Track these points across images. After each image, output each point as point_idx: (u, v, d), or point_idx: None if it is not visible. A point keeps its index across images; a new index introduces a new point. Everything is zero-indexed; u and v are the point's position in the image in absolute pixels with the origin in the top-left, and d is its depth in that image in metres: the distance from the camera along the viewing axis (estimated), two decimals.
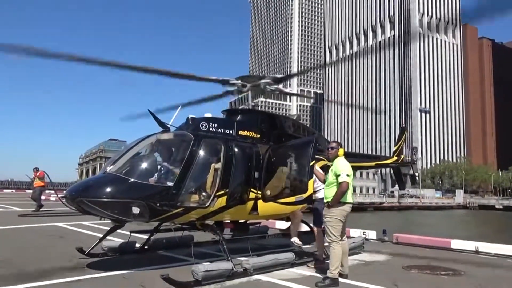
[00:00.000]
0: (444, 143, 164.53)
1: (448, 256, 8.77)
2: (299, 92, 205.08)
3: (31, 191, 21.14)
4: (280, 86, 9.01)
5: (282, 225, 11.76)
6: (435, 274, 6.77)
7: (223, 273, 5.83)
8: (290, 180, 7.18)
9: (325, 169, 7.12)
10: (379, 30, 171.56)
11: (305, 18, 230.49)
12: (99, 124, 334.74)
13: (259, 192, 7.12)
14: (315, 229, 7.32)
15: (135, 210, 5.82)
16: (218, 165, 6.66)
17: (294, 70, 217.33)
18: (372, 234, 11.10)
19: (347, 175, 6.04)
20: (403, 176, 15.39)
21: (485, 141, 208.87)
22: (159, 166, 6.65)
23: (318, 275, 6.31)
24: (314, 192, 7.04)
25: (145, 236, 8.21)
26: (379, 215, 55.24)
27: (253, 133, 7.67)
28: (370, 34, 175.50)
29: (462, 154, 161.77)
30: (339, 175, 6.05)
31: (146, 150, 6.83)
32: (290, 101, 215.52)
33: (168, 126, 6.86)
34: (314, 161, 6.81)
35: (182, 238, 8.25)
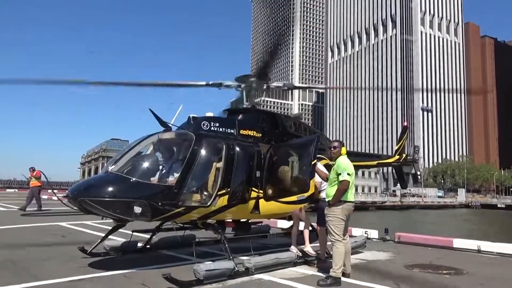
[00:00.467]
0: (446, 142, 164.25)
1: (450, 255, 8.75)
2: (300, 92, 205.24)
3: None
4: (280, 84, 9.01)
5: (284, 224, 11.76)
6: (437, 273, 6.75)
7: (224, 272, 5.83)
8: (292, 179, 7.17)
9: (327, 168, 7.11)
10: (381, 29, 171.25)
11: (306, 18, 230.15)
12: (101, 123, 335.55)
13: (261, 191, 7.12)
14: (318, 228, 7.31)
15: (137, 209, 5.82)
16: (220, 164, 6.65)
17: (296, 69, 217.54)
18: (374, 233, 11.08)
19: (348, 174, 6.04)
20: (405, 175, 15.37)
21: (487, 140, 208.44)
22: (160, 166, 6.65)
23: (320, 274, 6.30)
24: (319, 191, 7.05)
25: (147, 236, 8.22)
26: (381, 214, 55.19)
27: (255, 132, 7.66)
28: (372, 33, 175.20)
29: (464, 153, 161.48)
30: (340, 173, 6.05)
31: (147, 150, 6.84)
32: (291, 100, 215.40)
33: (170, 125, 6.86)
34: (316, 160, 6.79)
35: (184, 237, 8.25)
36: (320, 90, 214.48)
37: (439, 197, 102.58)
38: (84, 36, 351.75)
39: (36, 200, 16.91)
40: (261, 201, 7.10)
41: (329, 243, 6.52)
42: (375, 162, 14.49)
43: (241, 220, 7.90)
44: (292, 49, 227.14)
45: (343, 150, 6.41)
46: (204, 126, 6.96)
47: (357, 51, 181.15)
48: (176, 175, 6.28)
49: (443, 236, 11.17)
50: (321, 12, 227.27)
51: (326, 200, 6.29)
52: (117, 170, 6.17)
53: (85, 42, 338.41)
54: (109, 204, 5.80)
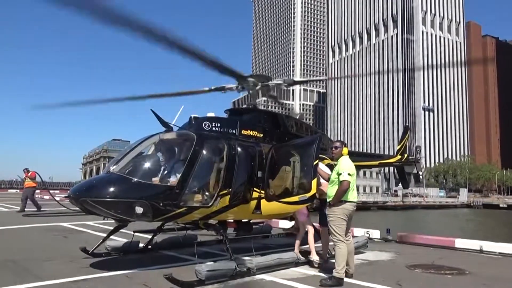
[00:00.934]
0: (448, 142, 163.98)
1: (452, 255, 8.72)
2: (302, 92, 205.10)
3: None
4: (280, 81, 8.99)
5: (286, 224, 11.75)
6: (439, 274, 6.73)
7: (226, 272, 5.82)
8: (294, 179, 7.15)
9: (330, 168, 7.09)
10: (382, 29, 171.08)
11: (307, 18, 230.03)
12: (102, 124, 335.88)
13: (262, 192, 7.10)
14: (320, 228, 7.29)
15: (139, 209, 5.82)
16: (221, 165, 6.65)
17: (297, 69, 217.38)
18: (375, 234, 11.05)
19: (349, 174, 6.03)
20: (406, 175, 15.35)
21: (489, 140, 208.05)
22: (162, 166, 6.65)
23: (322, 274, 6.29)
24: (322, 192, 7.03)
25: (149, 236, 8.22)
26: (382, 215, 55.13)
27: (256, 132, 7.66)
28: (373, 32, 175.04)
29: (466, 153, 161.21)
30: (341, 173, 6.05)
31: (149, 150, 6.85)
32: (293, 100, 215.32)
33: (171, 125, 6.86)
34: (318, 160, 6.78)
35: (186, 237, 8.25)
36: (322, 90, 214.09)
37: (440, 197, 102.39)
38: (82, 35, 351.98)
39: (32, 202, 16.62)
40: (263, 202, 7.08)
41: (331, 243, 6.50)
42: (376, 162, 14.49)
43: (243, 220, 7.89)
44: (293, 49, 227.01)
45: (345, 150, 6.40)
46: (206, 127, 6.96)
47: (358, 51, 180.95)
48: (178, 175, 6.28)
49: (445, 236, 11.14)
50: (322, 12, 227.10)
51: (328, 200, 6.29)
52: (118, 170, 6.18)
53: (83, 41, 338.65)
54: (111, 205, 5.80)
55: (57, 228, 11.47)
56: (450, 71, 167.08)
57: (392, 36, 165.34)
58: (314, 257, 6.84)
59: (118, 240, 8.06)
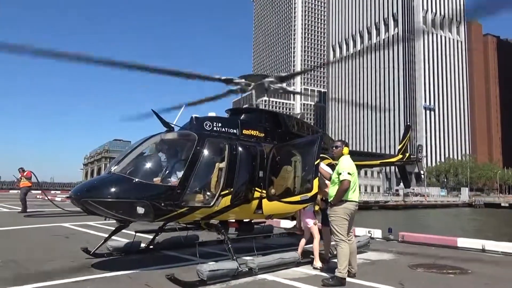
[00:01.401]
0: (449, 141, 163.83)
1: (454, 254, 8.70)
2: (302, 91, 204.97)
3: (36, 192, 21.21)
4: (284, 84, 9.00)
5: (287, 224, 11.74)
6: (441, 273, 6.71)
7: (228, 272, 5.82)
8: (295, 179, 7.14)
9: (332, 168, 7.07)
10: (382, 28, 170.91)
11: (308, 17, 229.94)
12: (103, 124, 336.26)
13: (264, 191, 7.09)
14: (322, 228, 7.27)
15: (140, 210, 5.82)
16: (223, 165, 6.64)
17: (298, 69, 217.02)
18: (377, 233, 11.04)
19: (349, 173, 6.02)
20: (408, 174, 15.32)
21: (491, 139, 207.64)
22: (163, 166, 6.65)
23: (324, 274, 6.27)
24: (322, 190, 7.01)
25: (150, 236, 8.22)
26: (384, 214, 55.08)
27: (257, 132, 7.64)
28: (374, 32, 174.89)
29: (467, 152, 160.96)
30: (341, 173, 6.04)
31: (150, 150, 6.84)
32: (293, 100, 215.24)
33: (172, 125, 6.86)
34: (319, 160, 6.76)
35: (187, 237, 8.25)
36: (323, 90, 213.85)
37: (442, 196, 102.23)
38: (84, 35, 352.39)
39: (21, 200, 16.47)
40: (264, 201, 7.07)
41: (333, 243, 6.49)
42: (378, 162, 14.45)
43: (244, 220, 7.88)
44: (293, 48, 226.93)
45: (345, 149, 6.39)
46: (207, 126, 6.95)
47: (359, 50, 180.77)
48: (179, 175, 6.28)
49: (447, 235, 11.12)
50: (322, 12, 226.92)
51: (329, 200, 6.28)
52: (119, 170, 6.18)
53: (85, 41, 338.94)
54: (112, 205, 5.80)
55: (58, 229, 11.47)
56: (451, 69, 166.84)
57: (393, 35, 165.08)
58: (317, 264, 6.81)
59: (119, 241, 8.05)
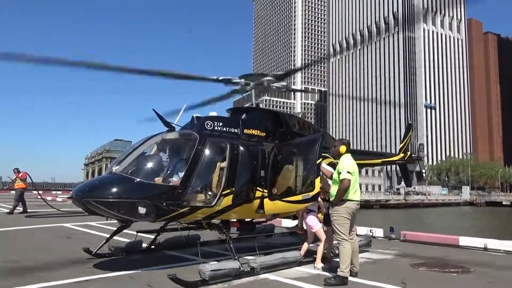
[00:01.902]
0: (450, 139, 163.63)
1: (456, 253, 8.69)
2: (303, 89, 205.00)
3: (37, 192, 21.17)
4: (284, 83, 9.00)
5: (289, 223, 11.72)
6: (444, 272, 6.70)
7: (230, 272, 5.81)
8: (297, 178, 7.13)
9: (332, 167, 7.06)
10: (383, 27, 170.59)
11: (308, 16, 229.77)
12: (104, 124, 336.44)
13: (265, 191, 7.08)
14: (324, 227, 7.26)
15: (141, 210, 5.82)
16: (224, 164, 6.63)
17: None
18: (379, 232, 11.02)
19: (348, 172, 6.00)
20: (409, 173, 15.30)
21: (492, 137, 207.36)
22: (164, 166, 6.65)
23: (326, 273, 6.26)
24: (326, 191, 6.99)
25: (152, 236, 8.22)
26: (385, 213, 55.07)
27: (259, 131, 7.63)
28: (374, 30, 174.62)
29: (468, 150, 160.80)
30: (341, 172, 6.03)
31: (151, 150, 6.84)
32: (294, 99, 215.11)
33: (173, 125, 6.84)
34: (321, 159, 6.75)
35: (189, 237, 8.24)
36: (323, 89, 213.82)
37: (443, 195, 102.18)
38: (84, 37, 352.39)
39: (14, 201, 16.23)
40: (266, 201, 7.06)
41: (335, 242, 6.47)
42: (379, 160, 14.42)
43: (246, 219, 7.87)
44: (294, 47, 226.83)
45: (342, 148, 6.39)
46: (208, 126, 6.93)
47: (359, 49, 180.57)
48: (180, 175, 6.27)
49: (449, 234, 11.10)
50: (323, 11, 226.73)
51: (330, 199, 6.27)
52: (121, 170, 6.17)
53: (85, 44, 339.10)
54: (114, 205, 5.80)
55: (60, 229, 11.48)
56: (452, 68, 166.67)
57: (393, 34, 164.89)
58: (319, 264, 6.80)
59: (121, 241, 8.06)
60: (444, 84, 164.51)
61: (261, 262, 6.22)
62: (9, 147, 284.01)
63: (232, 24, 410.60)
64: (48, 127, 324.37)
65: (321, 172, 6.80)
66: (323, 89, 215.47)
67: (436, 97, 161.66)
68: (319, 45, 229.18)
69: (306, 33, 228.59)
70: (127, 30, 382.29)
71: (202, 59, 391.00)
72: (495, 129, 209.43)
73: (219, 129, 7.05)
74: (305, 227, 7.36)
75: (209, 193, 6.52)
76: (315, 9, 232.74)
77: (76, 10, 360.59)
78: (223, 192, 6.46)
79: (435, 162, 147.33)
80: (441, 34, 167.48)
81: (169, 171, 6.51)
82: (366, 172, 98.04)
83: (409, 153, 14.47)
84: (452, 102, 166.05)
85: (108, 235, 7.70)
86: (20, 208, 16.15)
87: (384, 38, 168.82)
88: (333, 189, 6.20)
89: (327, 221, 6.95)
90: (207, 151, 6.50)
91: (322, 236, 6.97)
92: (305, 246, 7.21)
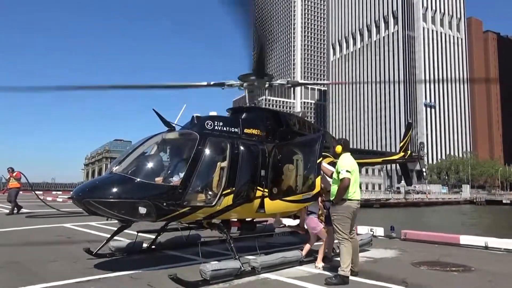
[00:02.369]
0: (450, 138, 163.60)
1: (457, 252, 8.69)
2: (303, 90, 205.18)
3: (38, 192, 21.17)
4: (283, 81, 9.02)
5: (289, 223, 11.70)
6: (445, 270, 6.70)
7: (231, 272, 5.80)
8: (297, 177, 7.13)
9: (334, 166, 7.05)
10: (382, 26, 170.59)
11: (307, 16, 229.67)
12: (104, 124, 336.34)
13: (266, 190, 7.08)
14: (325, 228, 7.24)
15: (142, 210, 5.81)
16: (224, 164, 6.62)
17: (298, 67, 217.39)
18: (379, 231, 11.02)
19: (347, 170, 6.00)
20: (409, 172, 15.28)
21: (492, 136, 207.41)
22: (165, 166, 6.64)
23: (326, 273, 6.26)
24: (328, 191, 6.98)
25: (152, 236, 8.21)
26: (385, 212, 55.08)
27: (259, 131, 7.62)
28: (374, 29, 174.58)
29: (468, 149, 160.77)
30: (340, 172, 6.03)
31: (151, 150, 6.83)
32: (294, 99, 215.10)
33: (173, 125, 6.84)
34: (321, 158, 6.74)
35: (189, 237, 8.24)
36: (323, 88, 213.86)
37: (443, 193, 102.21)
38: (81, 40, 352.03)
39: (11, 202, 15.93)
40: (266, 200, 7.06)
41: (336, 241, 6.46)
42: (379, 160, 14.42)
43: (246, 219, 7.86)
44: (293, 47, 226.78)
45: (338, 148, 6.40)
46: (208, 126, 6.92)
47: (359, 48, 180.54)
48: (181, 175, 6.26)
49: (450, 232, 11.10)
50: (322, 10, 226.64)
51: (331, 199, 6.26)
52: (121, 170, 6.17)
53: (82, 47, 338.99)
54: (114, 205, 5.79)
55: (60, 229, 11.47)
56: (452, 67, 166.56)
57: (392, 33, 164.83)
58: (320, 264, 6.79)
59: (121, 241, 8.04)
60: (444, 83, 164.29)
61: (262, 262, 6.22)
62: (9, 147, 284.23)
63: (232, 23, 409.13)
64: (48, 127, 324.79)
65: (322, 172, 6.80)
66: (323, 89, 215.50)
67: (436, 96, 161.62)
68: (319, 44, 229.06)
69: (306, 32, 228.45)
70: (126, 30, 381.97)
71: (202, 59, 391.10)
72: (495, 127, 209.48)
73: (219, 128, 7.04)
74: (308, 230, 7.34)
75: (210, 192, 6.51)
76: (314, 9, 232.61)
77: (76, 11, 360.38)
78: (224, 192, 6.46)
79: (435, 161, 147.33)
80: (441, 33, 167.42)
81: (169, 171, 6.51)
82: (366, 171, 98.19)
83: (409, 152, 14.46)
84: (452, 100, 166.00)
85: (108, 235, 7.70)
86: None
87: (384, 37, 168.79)
88: (333, 189, 6.21)
89: (328, 221, 6.95)
90: (207, 151, 6.49)
91: (324, 236, 6.97)
92: (307, 247, 7.20)
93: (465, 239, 9.56)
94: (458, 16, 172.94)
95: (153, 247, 8.12)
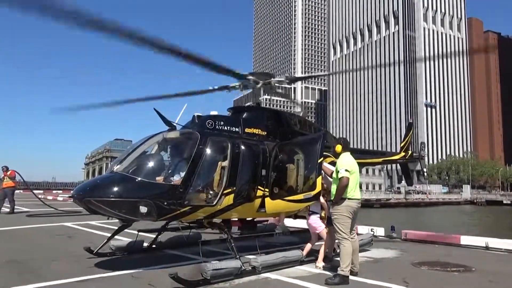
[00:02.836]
0: (451, 138, 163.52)
1: (458, 252, 8.69)
2: (303, 90, 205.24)
3: (38, 191, 21.15)
4: (290, 84, 9.07)
5: (290, 222, 11.71)
6: (445, 271, 6.69)
7: (231, 271, 5.80)
8: (298, 177, 7.13)
9: (334, 165, 7.05)
10: (383, 26, 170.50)
11: (308, 15, 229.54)
12: (104, 124, 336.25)
13: (267, 190, 7.08)
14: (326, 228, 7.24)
15: (143, 209, 5.81)
16: (225, 163, 6.62)
17: (298, 67, 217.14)
18: (380, 231, 11.01)
19: (346, 170, 6.00)
20: (410, 172, 15.28)
21: (492, 136, 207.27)
22: (166, 165, 6.64)
23: (327, 272, 6.26)
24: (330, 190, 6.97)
25: (153, 235, 8.21)
26: (385, 212, 55.04)
27: (260, 130, 7.62)
28: (375, 29, 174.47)
29: (469, 149, 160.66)
30: (339, 171, 6.03)
31: (152, 149, 6.82)
32: (294, 99, 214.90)
33: (174, 124, 6.84)
34: (322, 158, 6.74)
35: (190, 236, 8.24)
36: (323, 88, 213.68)
37: (443, 193, 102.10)
38: (80, 37, 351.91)
39: (10, 202, 15.85)
40: (267, 200, 7.06)
41: (336, 241, 6.46)
42: (380, 159, 14.42)
43: (247, 219, 7.86)
44: (294, 46, 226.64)
45: (337, 147, 6.41)
46: (209, 125, 6.92)
47: (360, 48, 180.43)
48: (182, 174, 6.26)
49: (450, 233, 11.09)
50: (323, 9, 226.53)
51: (331, 198, 6.26)
52: (122, 169, 6.16)
53: (81, 41, 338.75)
54: (115, 204, 5.78)
55: (61, 228, 11.48)
56: (452, 67, 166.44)
57: (393, 33, 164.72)
58: (320, 264, 6.79)
59: (122, 240, 8.05)
60: (444, 82, 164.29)
61: (262, 261, 6.22)
62: (9, 147, 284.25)
63: (232, 23, 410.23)
64: (48, 127, 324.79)
65: (323, 171, 6.79)
66: (323, 88, 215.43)
67: (437, 96, 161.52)
68: (320, 44, 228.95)
69: (307, 32, 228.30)
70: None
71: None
72: (495, 127, 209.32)
73: (220, 128, 7.04)
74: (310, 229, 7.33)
75: (210, 192, 6.51)
76: (315, 8, 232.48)
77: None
78: (224, 191, 6.46)
79: (435, 161, 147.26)
80: (441, 33, 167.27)
81: (170, 170, 6.50)
82: (367, 171, 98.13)
83: (410, 152, 14.47)
84: (453, 100, 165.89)
85: (109, 235, 7.69)
86: (21, 208, 15.98)
87: (384, 37, 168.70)
88: (333, 188, 6.21)
89: (328, 221, 6.94)
90: (208, 150, 6.49)
91: (325, 236, 6.97)
92: (308, 246, 7.19)
93: (465, 239, 9.55)
94: (459, 16, 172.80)
95: (153, 246, 8.12)
